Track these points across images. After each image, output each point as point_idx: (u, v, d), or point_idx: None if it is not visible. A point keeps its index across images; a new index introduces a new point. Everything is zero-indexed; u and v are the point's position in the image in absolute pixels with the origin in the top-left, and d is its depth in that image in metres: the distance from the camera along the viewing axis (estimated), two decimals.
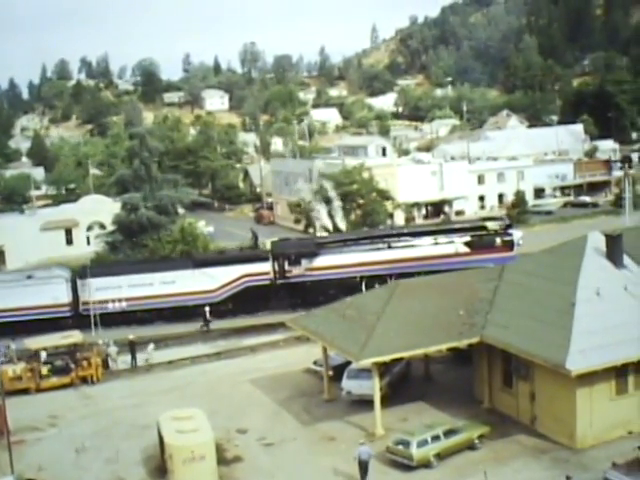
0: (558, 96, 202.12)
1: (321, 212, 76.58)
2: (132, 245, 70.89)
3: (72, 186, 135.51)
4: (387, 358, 35.11)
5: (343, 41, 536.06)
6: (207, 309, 57.60)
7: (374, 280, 58.00)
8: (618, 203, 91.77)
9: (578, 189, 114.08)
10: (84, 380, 46.40)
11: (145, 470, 33.81)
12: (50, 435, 38.79)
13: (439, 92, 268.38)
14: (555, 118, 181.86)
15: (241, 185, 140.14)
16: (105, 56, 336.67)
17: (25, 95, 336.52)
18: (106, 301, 58.51)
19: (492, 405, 36.56)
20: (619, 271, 35.59)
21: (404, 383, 40.22)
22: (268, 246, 62.98)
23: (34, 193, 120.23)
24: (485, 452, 32.22)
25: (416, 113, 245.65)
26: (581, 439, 31.59)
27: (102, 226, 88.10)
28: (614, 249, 36.00)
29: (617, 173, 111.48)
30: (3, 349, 50.15)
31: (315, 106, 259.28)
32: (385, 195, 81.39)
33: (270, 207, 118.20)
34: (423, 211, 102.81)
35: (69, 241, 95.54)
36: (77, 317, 58.56)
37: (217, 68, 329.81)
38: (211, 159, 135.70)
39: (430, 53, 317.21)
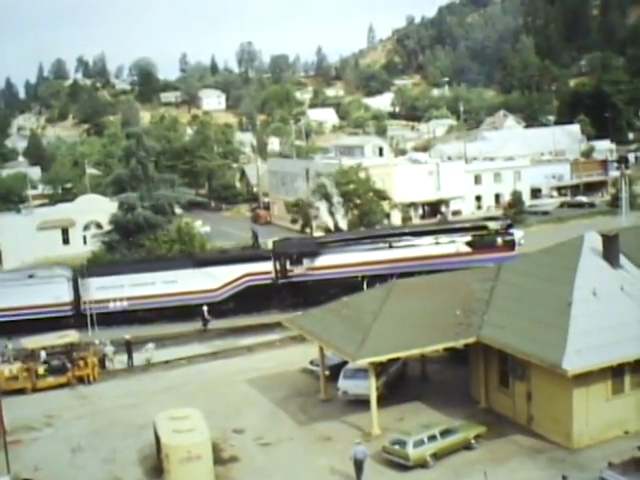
0: (555, 96, 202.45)
1: (321, 209, 76.55)
2: (129, 245, 70.82)
3: (69, 186, 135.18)
4: (384, 358, 35.14)
5: (340, 41, 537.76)
6: (205, 308, 57.55)
7: (376, 280, 57.89)
8: (615, 203, 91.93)
9: (575, 189, 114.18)
10: (80, 380, 46.32)
11: (141, 470, 33.77)
12: (46, 435, 38.74)
13: (436, 92, 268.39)
14: (552, 118, 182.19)
15: (238, 185, 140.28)
16: (102, 56, 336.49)
17: (22, 94, 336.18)
18: (107, 300, 58.50)
19: (488, 405, 36.57)
20: (616, 271, 35.61)
21: (401, 383, 40.20)
22: (270, 245, 62.94)
23: (31, 192, 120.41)
24: (481, 452, 32.23)
25: (413, 113, 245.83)
26: (577, 439, 31.61)
27: (99, 226, 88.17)
28: (611, 249, 36.02)
29: (614, 173, 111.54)
30: (1, 349, 50.10)
31: (312, 106, 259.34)
32: (382, 195, 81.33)
33: (267, 207, 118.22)
34: (420, 211, 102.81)
35: (65, 241, 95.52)
36: (78, 316, 58.43)
37: (214, 68, 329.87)
38: (208, 159, 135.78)
39: (427, 53, 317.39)
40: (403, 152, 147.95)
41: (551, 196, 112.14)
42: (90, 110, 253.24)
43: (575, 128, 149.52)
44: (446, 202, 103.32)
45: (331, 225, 75.64)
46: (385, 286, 42.31)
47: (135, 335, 52.50)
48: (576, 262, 35.67)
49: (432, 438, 31.72)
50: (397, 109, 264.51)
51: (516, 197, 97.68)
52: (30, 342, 47.01)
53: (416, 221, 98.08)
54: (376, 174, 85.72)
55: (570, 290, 34.09)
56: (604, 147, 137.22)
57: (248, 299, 59.85)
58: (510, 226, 65.19)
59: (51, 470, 34.24)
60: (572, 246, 37.59)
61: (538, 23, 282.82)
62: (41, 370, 45.88)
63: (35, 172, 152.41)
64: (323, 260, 61.07)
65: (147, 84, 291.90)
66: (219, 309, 59.18)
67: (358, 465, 30.34)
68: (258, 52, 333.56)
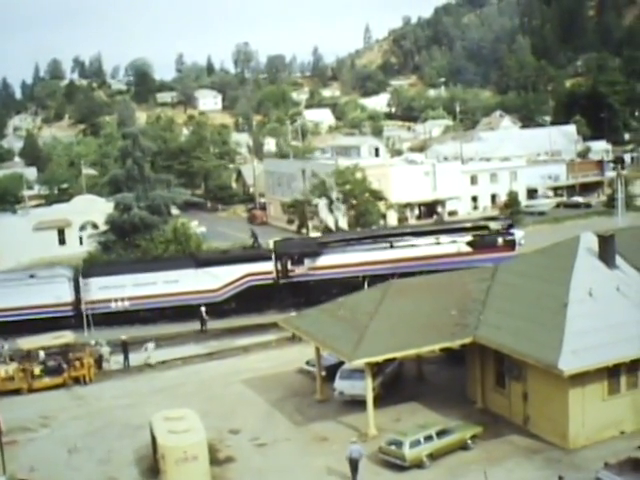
0: (551, 97, 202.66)
1: (320, 207, 76.47)
2: (125, 245, 70.70)
3: (65, 186, 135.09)
4: (380, 358, 35.07)
5: (336, 41, 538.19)
6: (203, 309, 57.34)
7: (377, 280, 57.69)
8: (611, 204, 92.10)
9: (571, 190, 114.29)
10: (76, 380, 46.23)
11: (137, 470, 33.72)
12: (42, 435, 38.65)
13: (432, 92, 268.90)
14: (548, 119, 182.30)
15: (234, 185, 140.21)
16: (98, 56, 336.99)
17: (18, 95, 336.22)
18: (109, 300, 58.37)
19: (485, 405, 36.58)
20: (611, 272, 35.64)
21: (397, 383, 40.20)
22: (271, 245, 62.95)
23: (26, 193, 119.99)
24: (478, 452, 32.24)
25: (409, 113, 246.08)
26: (573, 439, 31.63)
27: (95, 226, 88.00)
28: (606, 250, 36.05)
29: (610, 174, 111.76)
30: None
31: (308, 106, 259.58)
32: (378, 195, 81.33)
33: (263, 207, 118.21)
34: (416, 211, 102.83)
35: (62, 241, 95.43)
36: (80, 316, 58.25)
37: (210, 68, 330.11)
38: (204, 159, 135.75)
39: (423, 53, 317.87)
40: (399, 152, 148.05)
41: (547, 196, 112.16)
42: (86, 110, 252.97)
43: (571, 128, 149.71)
44: (442, 202, 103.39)
45: (331, 223, 75.56)
46: (381, 286, 42.17)
47: (132, 335, 52.46)
48: (572, 262, 35.69)
49: (428, 438, 31.72)
50: (393, 109, 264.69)
51: (512, 197, 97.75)
52: (26, 343, 46.93)
53: (412, 221, 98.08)
54: (372, 174, 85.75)
55: (566, 290, 34.11)
56: (600, 148, 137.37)
57: (249, 299, 59.78)
58: (511, 226, 65.38)
59: (47, 471, 34.17)
60: (568, 246, 37.62)
61: (534, 24, 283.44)
62: (37, 371, 45.78)
63: (31, 172, 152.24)
64: (324, 260, 61.03)
65: (143, 84, 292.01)
66: (220, 309, 59.10)
67: (353, 464, 30.30)
68: (254, 52, 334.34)
